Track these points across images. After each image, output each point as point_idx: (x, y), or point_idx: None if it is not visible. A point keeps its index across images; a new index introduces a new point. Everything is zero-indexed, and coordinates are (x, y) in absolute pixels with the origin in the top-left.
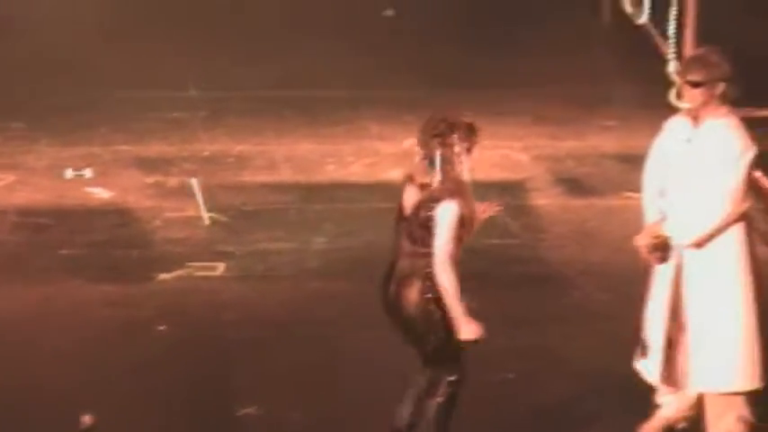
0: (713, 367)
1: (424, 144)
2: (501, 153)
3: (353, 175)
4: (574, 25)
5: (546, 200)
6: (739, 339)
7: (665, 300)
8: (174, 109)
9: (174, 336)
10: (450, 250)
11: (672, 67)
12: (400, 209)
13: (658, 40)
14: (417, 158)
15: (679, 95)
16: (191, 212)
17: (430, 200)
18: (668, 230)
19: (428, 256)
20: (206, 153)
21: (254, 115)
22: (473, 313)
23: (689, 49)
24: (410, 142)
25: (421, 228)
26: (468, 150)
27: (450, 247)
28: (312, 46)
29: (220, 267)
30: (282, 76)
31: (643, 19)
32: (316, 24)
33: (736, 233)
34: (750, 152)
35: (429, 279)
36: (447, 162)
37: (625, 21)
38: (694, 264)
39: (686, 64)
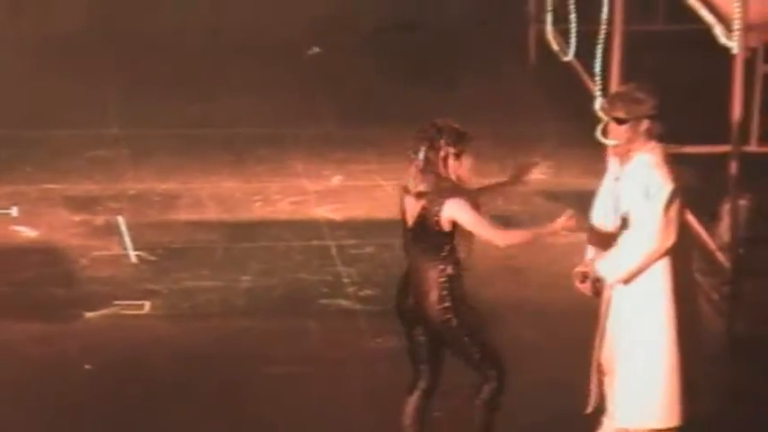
0: (634, 404)
1: (415, 149)
2: None
3: (280, 212)
4: (500, 63)
5: None
6: (661, 378)
7: (598, 328)
8: (99, 147)
9: (100, 374)
10: (492, 230)
11: (598, 103)
12: (403, 220)
13: (585, 77)
14: (411, 167)
15: (605, 133)
16: (117, 251)
17: (432, 206)
18: (598, 267)
19: (442, 263)
20: (132, 192)
21: (179, 153)
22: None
23: (615, 86)
24: (339, 179)
25: (432, 236)
26: (458, 155)
27: (489, 227)
28: (236, 83)
29: (147, 306)
30: (206, 114)
31: (569, 56)
32: (240, 62)
33: (662, 270)
34: (669, 187)
35: (444, 288)
36: (435, 165)
37: (552, 58)
38: (621, 300)
39: (610, 100)
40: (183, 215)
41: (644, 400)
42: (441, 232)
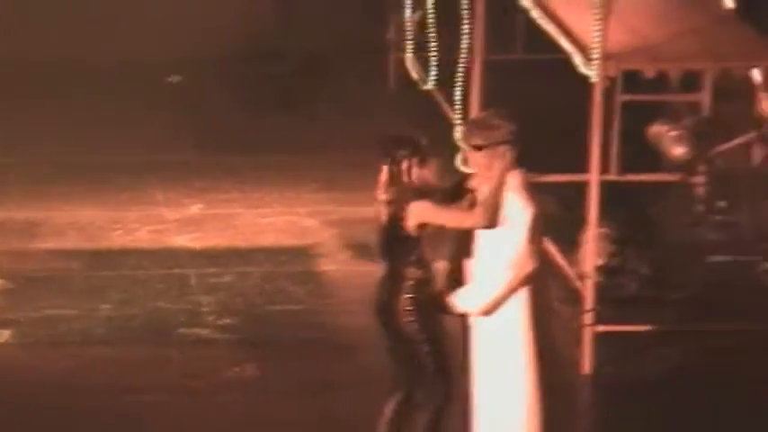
0: None
1: (382, 163)
2: (288, 219)
3: (139, 241)
4: (361, 91)
5: (334, 265)
6: (518, 411)
7: (462, 357)
8: None
9: None
10: (466, 216)
11: (458, 132)
12: (378, 226)
13: (445, 105)
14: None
15: (465, 161)
16: None
17: (398, 213)
18: (461, 301)
19: (411, 267)
20: None
21: (40, 182)
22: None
23: (475, 113)
24: (198, 208)
25: (400, 242)
26: (421, 164)
27: (461, 215)
28: (96, 112)
29: (5, 334)
30: (66, 143)
31: (429, 84)
32: (99, 90)
33: (521, 299)
34: (530, 212)
35: (411, 291)
36: (400, 175)
37: (412, 86)
38: (480, 329)
39: (468, 128)
40: (43, 243)
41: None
42: (409, 237)
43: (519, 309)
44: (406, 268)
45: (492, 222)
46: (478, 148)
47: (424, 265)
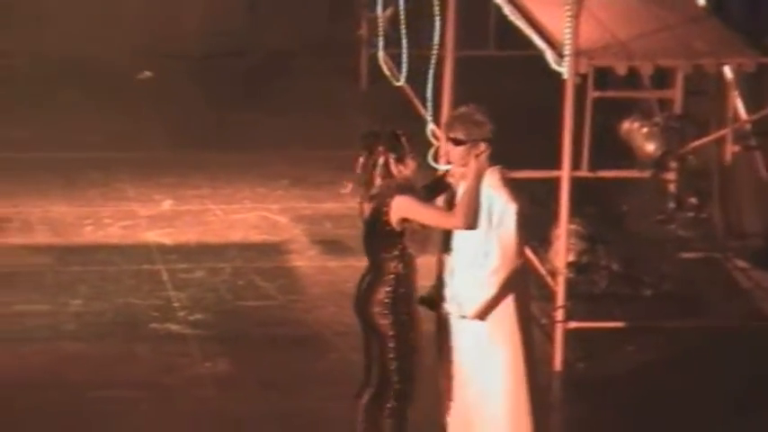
0: None
1: (358, 155)
2: (259, 215)
3: (110, 236)
4: (332, 87)
5: (303, 261)
6: (510, 412)
7: (441, 356)
8: None
9: None
10: (444, 216)
11: (430, 128)
12: (362, 220)
13: (416, 101)
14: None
15: (437, 157)
16: None
17: (381, 207)
18: (455, 306)
19: (392, 261)
20: None
21: (9, 177)
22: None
23: (447, 111)
24: (169, 203)
25: (383, 236)
26: (399, 159)
27: (440, 215)
28: (66, 107)
29: None
30: (37, 138)
31: (401, 81)
32: (70, 86)
33: (511, 299)
34: (515, 207)
35: (389, 285)
36: (377, 169)
37: (384, 83)
38: (468, 331)
39: (450, 121)
40: (13, 239)
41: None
42: (392, 231)
43: (509, 307)
44: (387, 262)
45: (471, 224)
46: (459, 142)
47: (405, 259)
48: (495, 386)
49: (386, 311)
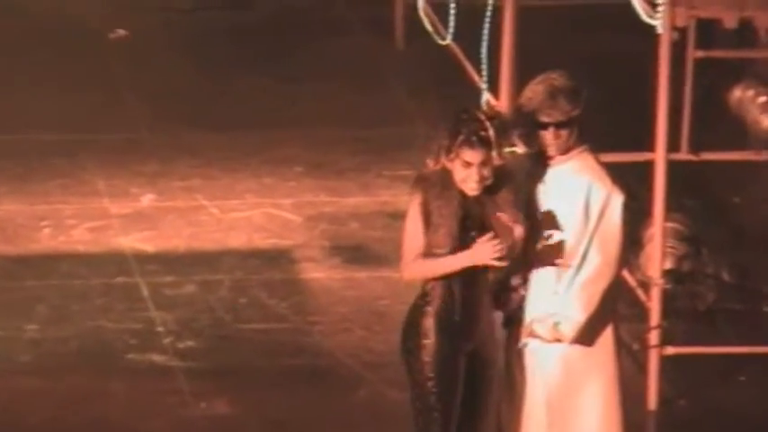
0: None
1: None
2: (265, 212)
3: (75, 242)
4: (359, 48)
5: (323, 272)
6: None
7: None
8: None
9: None
10: (403, 253)
11: (485, 98)
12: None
13: (467, 64)
14: None
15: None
16: None
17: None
18: (550, 326)
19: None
20: None
21: None
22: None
23: (507, 77)
24: (150, 198)
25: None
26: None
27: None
28: (21, 77)
29: None
30: None
31: (447, 38)
32: (25, 49)
33: (608, 319)
34: (620, 199)
35: (421, 308)
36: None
37: (425, 43)
38: (553, 359)
39: (549, 97)
40: None
41: None
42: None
43: (606, 327)
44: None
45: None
46: (561, 125)
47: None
48: (588, 427)
49: (410, 344)
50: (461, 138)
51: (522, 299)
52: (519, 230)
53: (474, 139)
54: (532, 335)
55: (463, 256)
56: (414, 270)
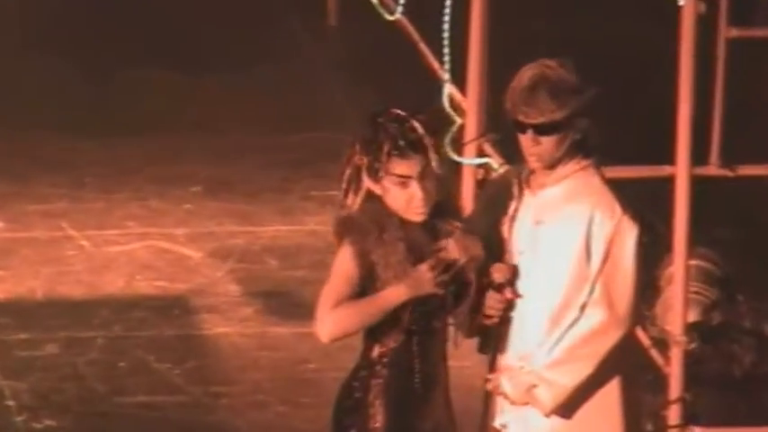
0: None
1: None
2: (151, 246)
3: None
4: (280, 28)
5: (230, 327)
6: None
7: None
8: None
9: None
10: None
11: (447, 92)
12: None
13: (423, 47)
14: None
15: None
16: None
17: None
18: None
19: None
20: None
21: None
22: None
23: (476, 64)
24: None
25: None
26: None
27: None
28: None
29: None
30: None
31: (396, 13)
32: None
33: (617, 386)
34: (634, 231)
35: (364, 369)
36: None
37: (366, 18)
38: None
39: (528, 93)
40: None
41: None
42: None
43: (610, 398)
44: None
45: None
46: (550, 128)
47: (405, 331)
48: None
49: (348, 417)
50: (386, 147)
51: (510, 305)
52: (478, 247)
53: (402, 144)
54: (497, 390)
55: (398, 290)
56: (334, 323)
